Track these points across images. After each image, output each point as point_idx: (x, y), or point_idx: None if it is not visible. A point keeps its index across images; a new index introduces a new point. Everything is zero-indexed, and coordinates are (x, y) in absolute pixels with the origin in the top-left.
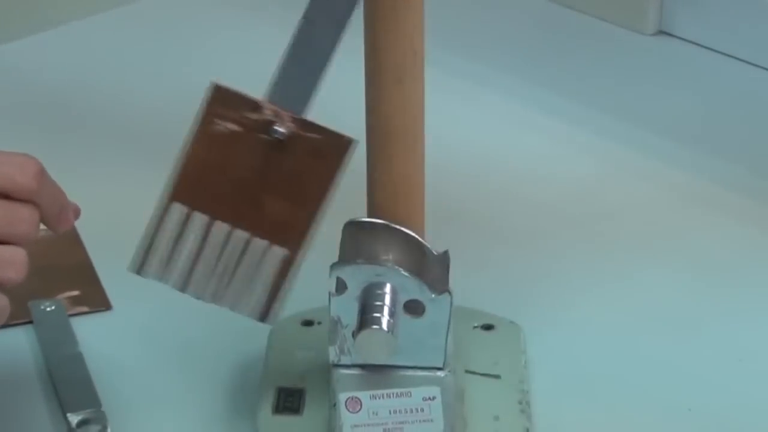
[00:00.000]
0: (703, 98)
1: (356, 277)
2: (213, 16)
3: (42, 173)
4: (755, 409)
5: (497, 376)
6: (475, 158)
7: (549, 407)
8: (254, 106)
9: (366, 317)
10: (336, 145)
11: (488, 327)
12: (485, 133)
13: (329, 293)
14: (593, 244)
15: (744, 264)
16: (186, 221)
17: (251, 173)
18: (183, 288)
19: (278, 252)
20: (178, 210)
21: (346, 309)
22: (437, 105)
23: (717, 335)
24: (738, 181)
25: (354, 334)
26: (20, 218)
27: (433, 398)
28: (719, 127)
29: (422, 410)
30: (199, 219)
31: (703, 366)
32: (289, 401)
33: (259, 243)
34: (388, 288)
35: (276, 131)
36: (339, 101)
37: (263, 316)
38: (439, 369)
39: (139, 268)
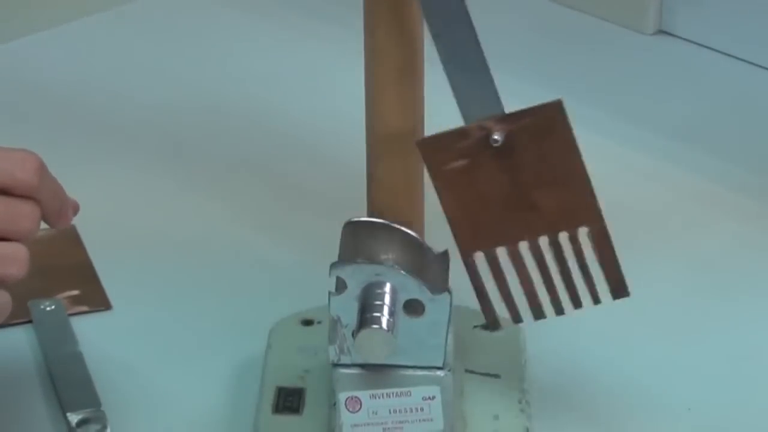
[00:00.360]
0: (703, 97)
1: (356, 276)
2: (209, 15)
3: (42, 169)
4: (755, 408)
5: (497, 376)
6: None
7: (549, 407)
8: (462, 133)
9: (366, 316)
10: (551, 115)
11: (488, 327)
12: None
13: (329, 292)
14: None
15: (743, 263)
16: (496, 262)
17: (507, 186)
18: (540, 315)
19: (586, 232)
20: (481, 258)
21: (346, 308)
22: (437, 105)
23: (717, 335)
24: (738, 181)
25: (354, 334)
26: (21, 214)
27: (433, 398)
28: (719, 126)
29: (422, 410)
30: (503, 252)
31: (702, 365)
32: (288, 401)
33: (564, 237)
34: (387, 287)
35: (494, 140)
36: (339, 101)
37: (618, 292)
38: (439, 368)
39: (495, 324)
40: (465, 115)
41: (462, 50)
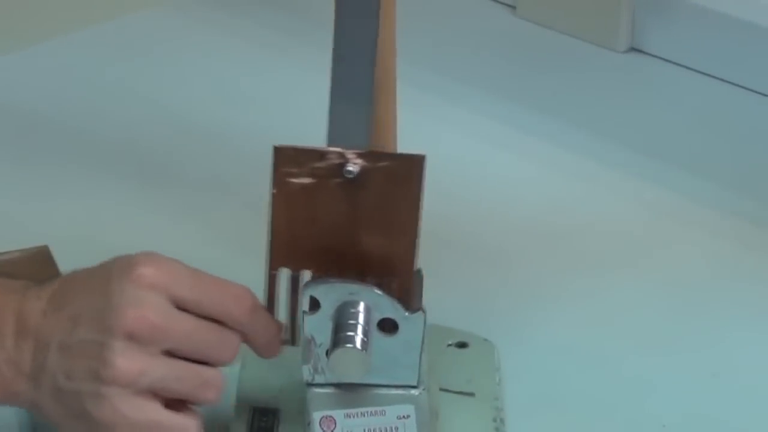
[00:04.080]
0: (675, 114)
1: (329, 295)
2: (182, 36)
3: (256, 308)
4: (729, 424)
5: (471, 394)
6: (447, 176)
7: (523, 425)
8: (319, 154)
9: (339, 336)
10: (409, 166)
11: (462, 345)
12: (458, 150)
13: (302, 312)
14: (567, 261)
15: (717, 280)
16: (296, 283)
17: (340, 218)
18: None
19: (392, 285)
20: (285, 274)
21: (320, 328)
22: (410, 123)
23: (691, 351)
24: (710, 197)
25: (328, 353)
26: (227, 346)
27: (408, 416)
28: (691, 142)
29: (397, 429)
30: (307, 277)
31: (677, 382)
32: (263, 421)
33: (371, 282)
34: (361, 306)
35: (348, 171)
36: (313, 121)
37: None
38: (413, 387)
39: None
40: (330, 138)
41: (357, 78)
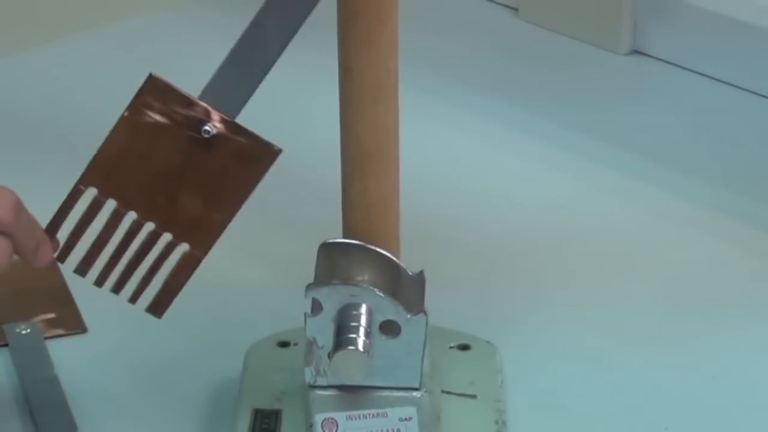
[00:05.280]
0: (676, 117)
1: (332, 297)
2: (182, 38)
3: (18, 206)
4: (731, 426)
5: (473, 396)
6: (449, 178)
7: (525, 427)
8: (186, 101)
9: (342, 338)
10: (262, 153)
11: (464, 347)
12: (460, 152)
13: (305, 314)
14: (569, 263)
15: (718, 281)
16: (97, 207)
17: (172, 168)
18: (83, 273)
19: (184, 249)
20: (91, 194)
21: (322, 330)
22: (412, 125)
23: (692, 353)
24: (712, 199)
25: (330, 355)
26: None
27: (410, 419)
28: (693, 145)
29: (399, 431)
30: (110, 206)
31: (679, 384)
32: (265, 423)
33: (166, 237)
34: (363, 309)
35: (204, 130)
36: (314, 123)
37: (153, 309)
38: (415, 389)
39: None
40: (205, 92)
41: (261, 51)
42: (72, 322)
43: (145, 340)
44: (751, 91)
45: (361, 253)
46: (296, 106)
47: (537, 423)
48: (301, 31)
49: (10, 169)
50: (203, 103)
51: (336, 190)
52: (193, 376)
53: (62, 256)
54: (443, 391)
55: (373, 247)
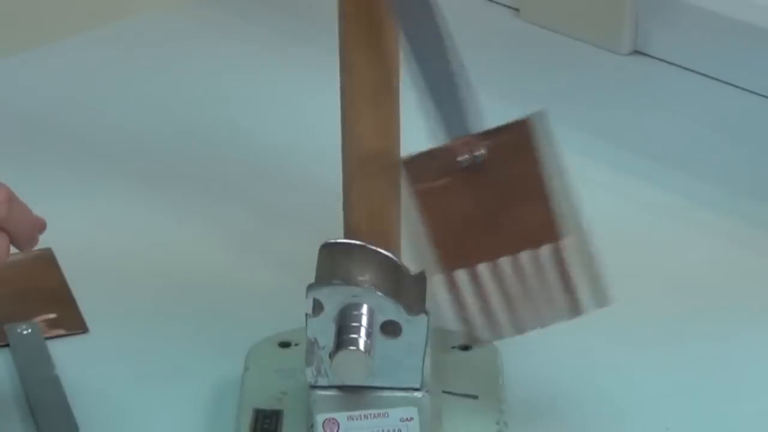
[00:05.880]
0: (677, 117)
1: (333, 298)
2: (184, 38)
3: (11, 199)
4: (732, 426)
5: (475, 397)
6: None
7: (527, 427)
8: (441, 152)
9: (343, 338)
10: (524, 131)
11: (465, 347)
12: None
13: (306, 314)
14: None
15: (720, 282)
16: (474, 279)
17: (485, 204)
18: (522, 330)
19: (553, 248)
20: (460, 276)
21: (323, 330)
22: (413, 125)
23: (695, 354)
24: (714, 199)
25: (331, 355)
26: None
27: (411, 419)
28: (694, 145)
29: (400, 431)
30: (484, 269)
31: (681, 385)
32: (266, 423)
33: (534, 254)
34: (364, 309)
35: (476, 158)
36: (315, 123)
37: (600, 303)
38: (417, 390)
39: (474, 339)
40: (446, 131)
41: (439, 66)
42: (73, 323)
43: (146, 341)
44: (753, 92)
45: (363, 254)
46: (297, 107)
47: (538, 423)
48: (302, 31)
49: (11, 169)
50: (454, 141)
51: (337, 190)
52: (194, 376)
53: (495, 332)
54: (444, 392)
55: (374, 248)
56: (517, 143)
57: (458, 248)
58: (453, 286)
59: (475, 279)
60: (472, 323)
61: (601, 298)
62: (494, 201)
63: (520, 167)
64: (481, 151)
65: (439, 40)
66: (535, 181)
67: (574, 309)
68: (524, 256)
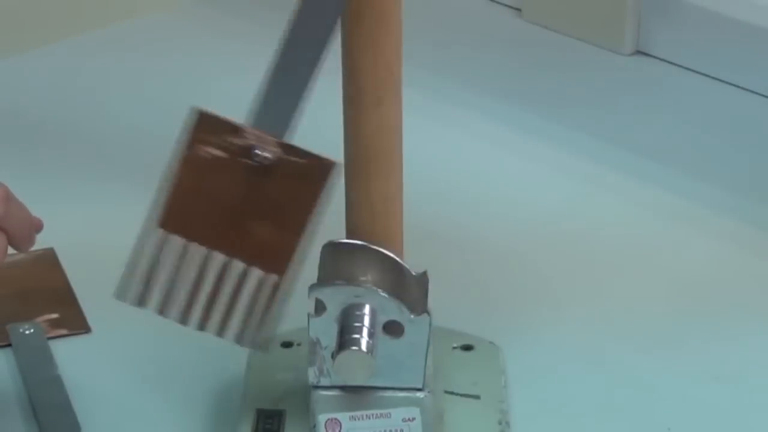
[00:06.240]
0: (679, 117)
1: (335, 298)
2: (186, 38)
3: (8, 198)
4: (734, 427)
5: (477, 397)
6: (453, 178)
7: (529, 427)
8: (237, 131)
9: (345, 338)
10: (319, 169)
11: (467, 347)
12: (463, 153)
13: (308, 314)
14: (572, 263)
15: (722, 282)
16: (165, 245)
17: (236, 198)
18: (165, 313)
19: (260, 275)
20: (160, 235)
21: (325, 330)
22: (415, 126)
23: (695, 354)
24: (716, 199)
25: (333, 356)
26: None
27: (413, 419)
28: (696, 145)
29: (402, 431)
30: (177, 242)
31: (682, 385)
32: (268, 423)
33: (238, 266)
34: (367, 309)
35: (259, 156)
36: (317, 123)
37: (246, 342)
38: (419, 390)
39: (123, 294)
40: (255, 118)
41: (299, 69)
42: (75, 323)
43: (149, 341)
44: (755, 92)
45: (365, 254)
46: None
47: (540, 423)
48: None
49: (13, 170)
50: (253, 130)
51: (340, 190)
52: (196, 377)
53: (142, 299)
54: (446, 392)
55: (376, 248)
56: (307, 174)
57: (182, 214)
58: (160, 245)
59: (183, 252)
60: (137, 280)
61: (261, 343)
62: (251, 203)
63: (295, 195)
64: (267, 155)
65: (318, 41)
66: (301, 216)
67: (239, 337)
68: (238, 264)
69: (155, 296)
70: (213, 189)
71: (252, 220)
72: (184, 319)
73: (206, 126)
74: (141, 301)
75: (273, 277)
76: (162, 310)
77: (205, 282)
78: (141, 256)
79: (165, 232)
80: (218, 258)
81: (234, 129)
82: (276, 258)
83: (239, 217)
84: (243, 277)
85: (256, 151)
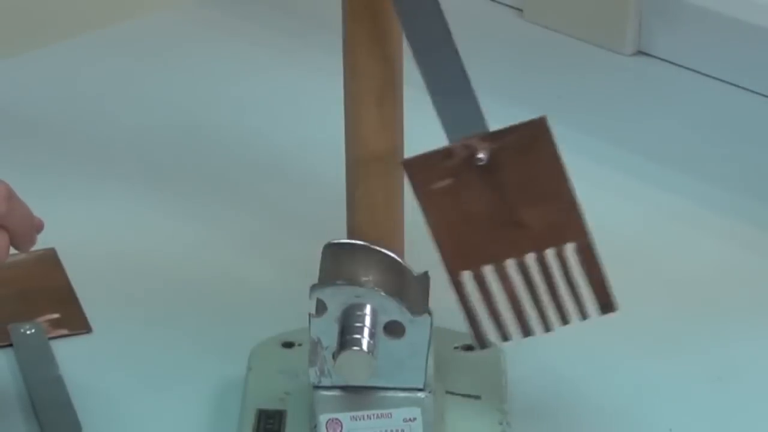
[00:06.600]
0: (681, 118)
1: (336, 298)
2: (190, 38)
3: (11, 196)
4: (735, 428)
5: (478, 397)
6: None
7: (529, 428)
8: (446, 153)
9: (346, 338)
10: (534, 132)
11: (469, 348)
12: None
13: (309, 314)
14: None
15: (723, 282)
16: (482, 281)
17: (493, 204)
18: (528, 332)
19: (573, 248)
20: (468, 277)
21: (326, 330)
22: (417, 125)
23: (696, 354)
24: (717, 200)
25: (334, 356)
26: None
27: (414, 419)
28: (697, 146)
29: (403, 431)
30: (490, 271)
31: (684, 386)
32: (269, 423)
33: (551, 253)
34: (368, 309)
35: (480, 159)
36: (319, 123)
37: (608, 307)
38: (420, 390)
39: (482, 343)
40: (449, 134)
41: (445, 68)
42: (76, 323)
43: (150, 341)
44: (757, 92)
45: (366, 254)
46: (301, 107)
47: (541, 424)
48: (306, 32)
49: (15, 170)
50: (458, 143)
51: (341, 190)
52: (197, 377)
53: (505, 337)
54: (447, 392)
55: (377, 248)
56: (527, 143)
57: (462, 249)
58: (460, 288)
59: (480, 281)
60: (480, 326)
61: (609, 304)
62: (508, 200)
63: (533, 166)
64: (482, 155)
65: (443, 40)
66: (553, 180)
67: (582, 312)
68: (531, 258)
69: (510, 326)
70: (468, 211)
71: (520, 213)
72: (547, 326)
73: (419, 168)
74: (505, 338)
75: (583, 241)
76: (525, 332)
77: (538, 285)
78: (469, 305)
79: (470, 272)
80: (531, 257)
81: (443, 153)
82: (568, 227)
83: (509, 218)
84: (563, 259)
85: (478, 156)
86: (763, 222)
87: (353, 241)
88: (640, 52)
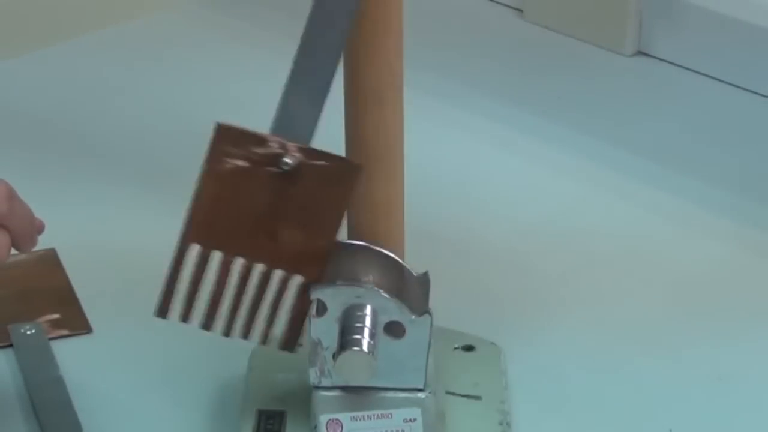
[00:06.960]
0: (681, 118)
1: (336, 298)
2: (191, 40)
3: (12, 196)
4: (735, 428)
5: (478, 397)
6: (454, 179)
7: (530, 428)
8: (260, 140)
9: (346, 339)
10: (345, 171)
11: (469, 348)
12: (465, 153)
13: (309, 315)
14: (573, 264)
15: (723, 282)
16: (204, 261)
17: (264, 207)
18: (209, 327)
19: (299, 281)
20: (195, 251)
21: (327, 331)
22: (417, 126)
23: (697, 355)
24: (717, 200)
25: (334, 356)
26: None
27: (414, 420)
28: (698, 146)
29: (403, 431)
30: (217, 257)
31: (683, 386)
32: (269, 424)
33: (278, 274)
34: (368, 309)
35: (284, 163)
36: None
37: (285, 346)
38: (420, 390)
39: (162, 311)
40: (275, 126)
41: (317, 74)
42: (77, 323)
43: (150, 341)
44: (757, 93)
45: (366, 254)
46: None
47: (541, 424)
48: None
49: (16, 170)
50: (276, 138)
51: None
52: (197, 377)
53: (185, 315)
54: (447, 392)
55: (377, 248)
56: (333, 176)
57: (209, 226)
58: (180, 255)
59: (202, 260)
60: (171, 296)
61: (291, 348)
62: (280, 211)
63: (323, 198)
64: (290, 161)
65: (331, 53)
66: (330, 219)
67: (265, 337)
68: (259, 268)
69: (198, 312)
70: (240, 199)
71: (282, 226)
72: (227, 330)
73: (228, 138)
74: (185, 318)
75: (310, 282)
76: (207, 325)
77: (247, 293)
78: (179, 273)
79: (201, 248)
80: (259, 268)
81: (257, 139)
82: (310, 262)
83: (269, 224)
84: (283, 286)
85: (281, 159)
86: (763, 222)
87: (353, 242)
88: (640, 53)
